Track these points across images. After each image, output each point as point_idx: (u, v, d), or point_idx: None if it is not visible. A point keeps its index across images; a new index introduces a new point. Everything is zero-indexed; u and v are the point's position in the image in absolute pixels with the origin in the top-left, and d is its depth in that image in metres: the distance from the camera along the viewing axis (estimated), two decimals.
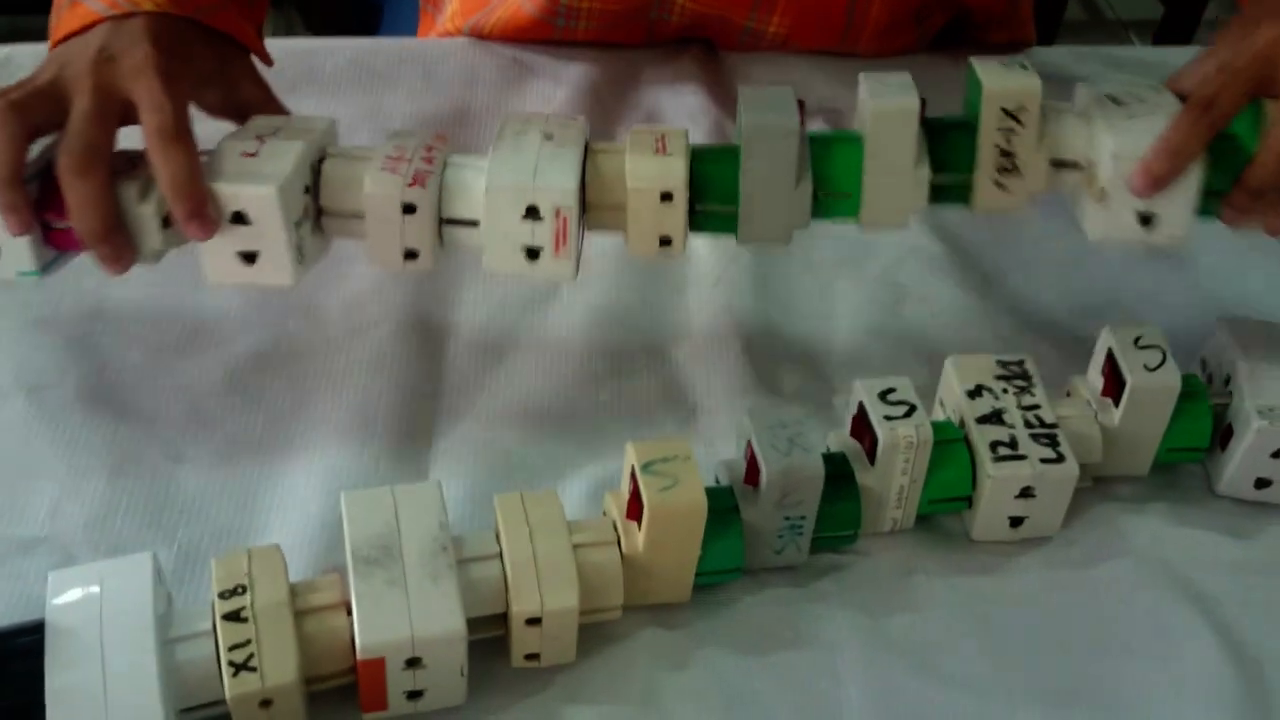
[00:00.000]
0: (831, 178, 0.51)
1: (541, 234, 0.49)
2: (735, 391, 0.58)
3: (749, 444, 0.49)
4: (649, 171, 0.50)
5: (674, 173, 0.49)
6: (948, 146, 0.52)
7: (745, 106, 0.50)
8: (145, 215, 0.49)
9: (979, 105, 0.51)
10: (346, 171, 0.50)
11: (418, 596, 0.43)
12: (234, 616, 0.42)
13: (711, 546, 0.48)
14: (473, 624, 0.43)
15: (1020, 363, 0.54)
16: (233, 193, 0.48)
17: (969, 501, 0.52)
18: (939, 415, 0.55)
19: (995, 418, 0.52)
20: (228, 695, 0.41)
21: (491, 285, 0.64)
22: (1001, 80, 0.51)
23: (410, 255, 0.51)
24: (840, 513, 0.51)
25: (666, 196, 0.49)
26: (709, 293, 0.64)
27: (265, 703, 0.41)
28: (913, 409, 0.51)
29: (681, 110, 0.75)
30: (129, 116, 0.50)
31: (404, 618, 0.42)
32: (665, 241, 0.51)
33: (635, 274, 0.65)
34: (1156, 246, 0.53)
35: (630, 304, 0.64)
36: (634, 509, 0.47)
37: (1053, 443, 0.51)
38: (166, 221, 0.49)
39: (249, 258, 0.49)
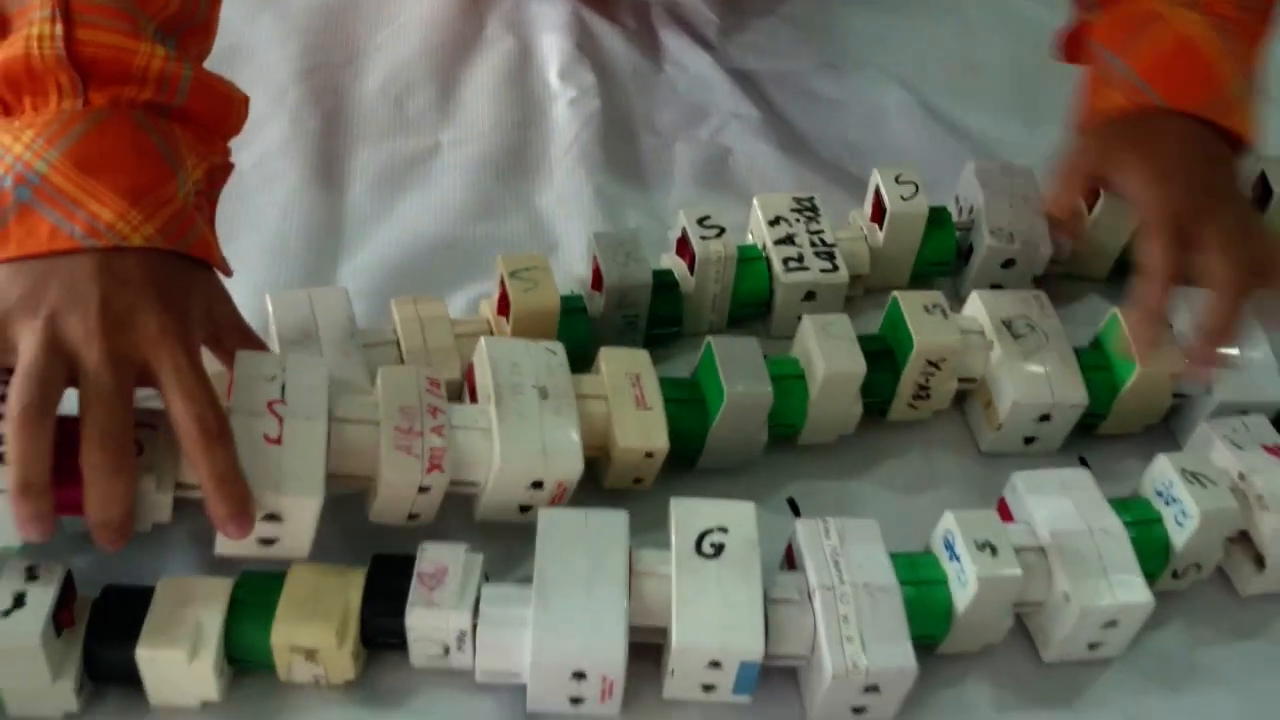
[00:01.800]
0: (784, 415, 0.60)
1: (540, 497, 0.54)
2: (588, 228, 0.71)
3: (594, 258, 0.63)
4: (635, 432, 0.56)
5: (658, 437, 0.56)
6: (875, 385, 0.60)
7: (723, 372, 0.57)
8: (162, 504, 0.48)
9: (906, 346, 0.60)
10: (360, 441, 0.52)
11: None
12: None
13: (565, 337, 0.60)
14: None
15: (810, 199, 0.68)
16: (274, 500, 0.48)
17: (768, 307, 0.67)
18: (748, 242, 0.69)
19: (788, 240, 0.66)
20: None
21: (380, 145, 0.76)
22: (929, 335, 0.60)
23: (413, 517, 0.54)
24: (666, 312, 0.64)
25: (649, 455, 0.58)
26: (566, 152, 0.77)
27: None
28: (723, 231, 0.65)
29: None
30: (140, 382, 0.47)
31: None
32: (638, 480, 0.59)
33: (507, 134, 0.77)
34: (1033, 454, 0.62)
35: (501, 161, 0.76)
36: (503, 307, 0.60)
37: (831, 258, 0.66)
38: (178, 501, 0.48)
39: (269, 542, 0.50)
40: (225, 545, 0.49)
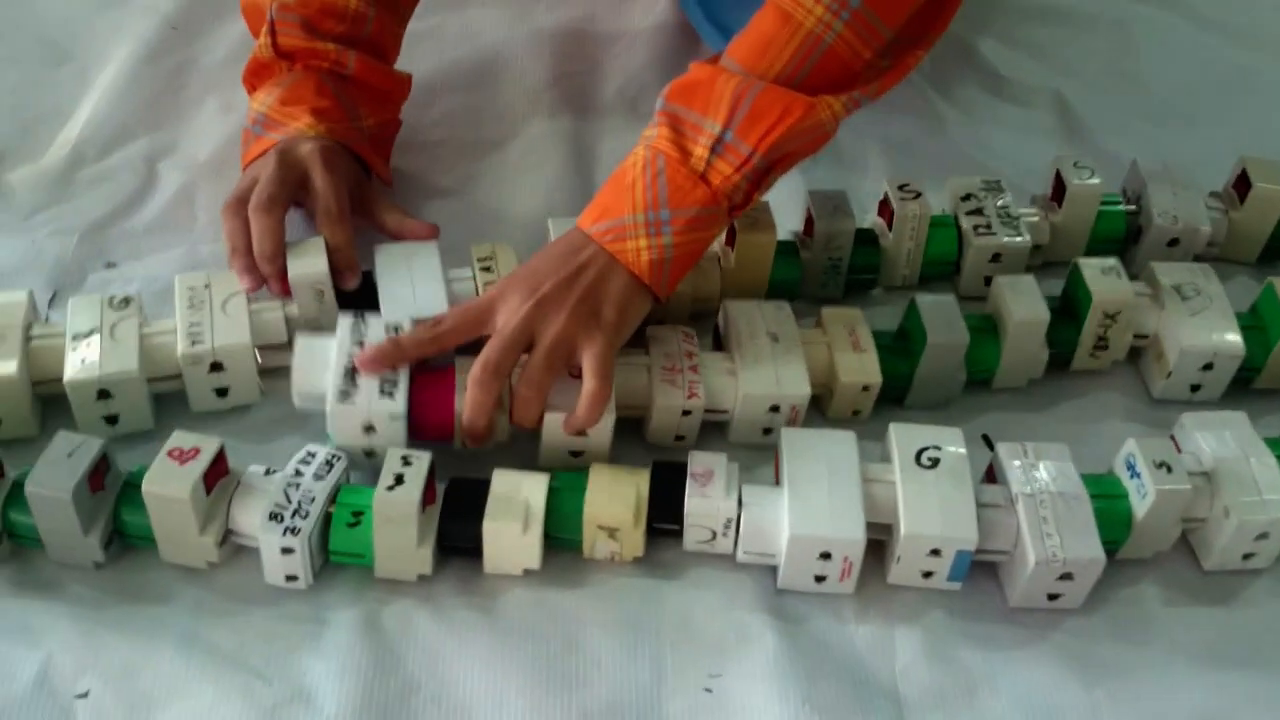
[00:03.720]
0: (979, 361, 0.71)
1: (778, 420, 0.67)
2: (799, 206, 0.81)
3: (808, 208, 0.76)
4: (853, 369, 0.68)
5: (873, 373, 0.68)
6: (1060, 337, 0.71)
7: (926, 321, 0.68)
8: (503, 427, 0.65)
9: (1085, 302, 0.70)
10: (636, 380, 0.66)
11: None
12: None
13: (779, 270, 0.75)
14: None
15: (997, 181, 0.80)
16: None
17: (955, 268, 0.78)
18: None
19: (978, 212, 0.78)
20: None
21: (621, 138, 0.88)
22: (1106, 290, 0.70)
23: (679, 439, 0.68)
24: (865, 261, 0.77)
25: (865, 388, 0.70)
26: None
27: None
28: (920, 195, 0.76)
29: None
30: (299, 197, 0.74)
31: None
32: (856, 413, 0.70)
33: None
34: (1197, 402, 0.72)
35: None
36: (730, 239, 0.74)
37: (1016, 227, 0.77)
38: None
39: (577, 454, 0.65)
40: (544, 458, 0.65)
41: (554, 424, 0.64)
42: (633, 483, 0.63)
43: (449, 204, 0.84)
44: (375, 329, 0.67)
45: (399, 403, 0.64)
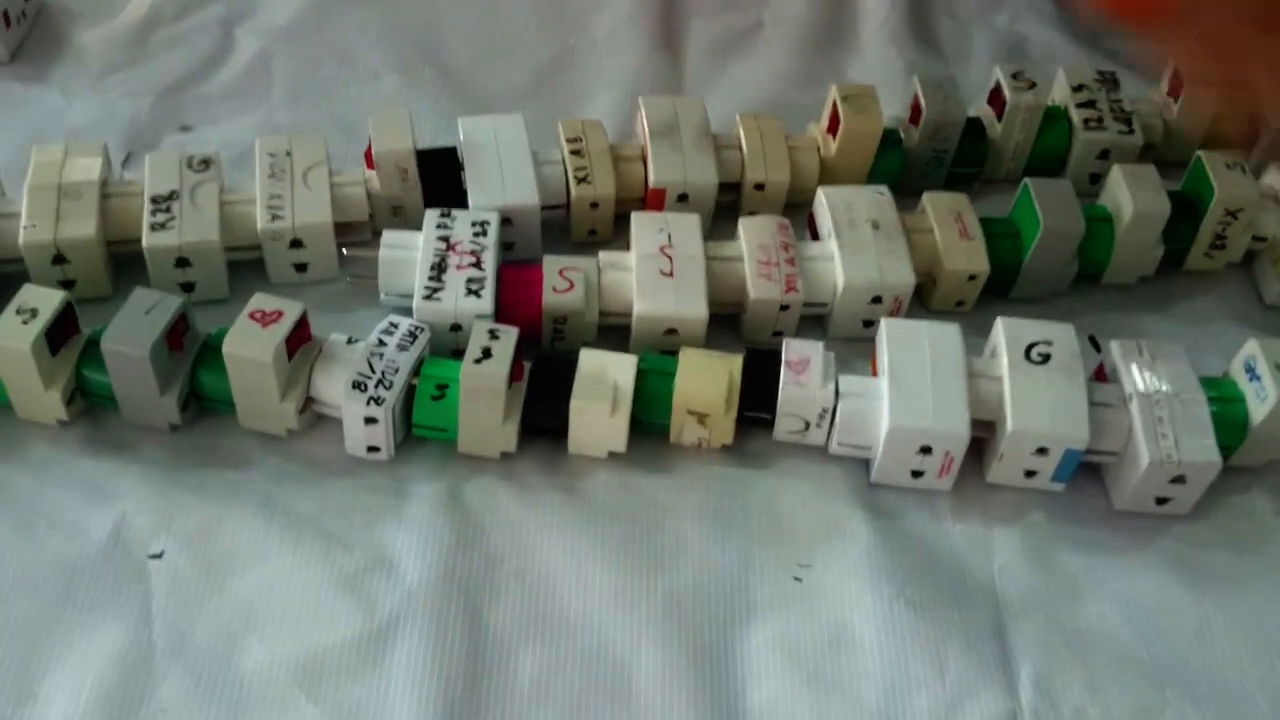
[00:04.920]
0: (1091, 253, 0.68)
1: (880, 311, 0.64)
2: (897, 99, 0.78)
3: (915, 94, 0.72)
4: (959, 256, 0.65)
5: (980, 261, 0.65)
6: (1176, 233, 0.68)
7: (1039, 206, 0.65)
8: None
9: (1207, 197, 0.67)
10: (730, 273, 0.64)
11: None
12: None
13: (881, 160, 0.71)
14: None
15: (1113, 73, 0.75)
16: (676, 315, 0.62)
17: (1063, 164, 0.74)
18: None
19: (1089, 105, 0.73)
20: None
21: (712, 19, 0.85)
22: (1229, 187, 0.67)
23: (777, 334, 0.65)
24: (971, 152, 0.73)
25: (972, 277, 0.66)
26: (877, 32, 0.85)
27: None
28: (1034, 85, 0.72)
29: None
30: None
31: None
32: (960, 304, 0.67)
33: (821, 14, 0.86)
34: None
35: (818, 36, 0.85)
36: (832, 126, 0.71)
37: (1128, 123, 0.73)
38: None
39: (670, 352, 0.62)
40: (636, 342, 0.63)
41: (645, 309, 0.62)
42: (725, 368, 0.60)
43: (532, 84, 0.82)
44: (462, 225, 0.65)
45: (486, 301, 0.62)
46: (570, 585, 0.56)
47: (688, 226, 0.66)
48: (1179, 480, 0.57)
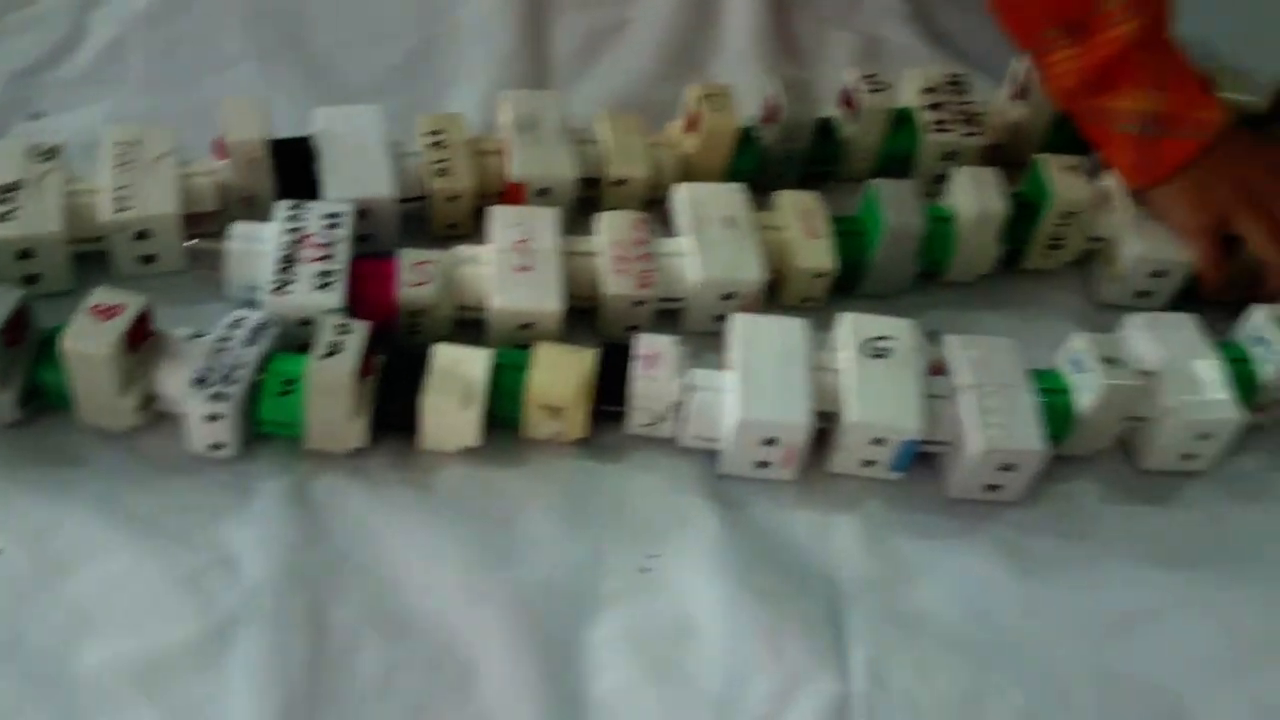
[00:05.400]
0: (934, 251, 0.70)
1: (732, 307, 0.65)
2: (758, 97, 0.79)
3: (770, 95, 0.74)
4: (808, 255, 0.67)
5: (827, 259, 0.67)
6: (1015, 232, 0.70)
7: (884, 206, 0.67)
8: None
9: (1045, 199, 0.70)
10: (587, 269, 0.65)
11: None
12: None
13: (739, 158, 0.73)
14: None
15: (963, 75, 0.78)
16: (533, 311, 0.62)
17: (909, 162, 0.76)
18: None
19: (937, 107, 0.76)
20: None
21: (580, 15, 0.85)
22: (1066, 190, 0.70)
23: (632, 329, 0.65)
24: (824, 152, 0.75)
25: (819, 274, 0.68)
26: (739, 32, 0.86)
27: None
28: (884, 88, 0.74)
29: None
30: None
31: None
32: (810, 300, 0.69)
33: (687, 15, 0.86)
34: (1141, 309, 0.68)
35: (684, 35, 0.86)
36: (690, 126, 0.73)
37: (973, 124, 0.76)
38: None
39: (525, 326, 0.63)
40: (494, 337, 0.63)
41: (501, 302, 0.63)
42: (579, 363, 0.61)
43: (394, 74, 0.81)
44: (314, 217, 0.64)
45: (337, 295, 0.61)
46: (417, 581, 0.56)
47: (545, 221, 0.66)
48: (1008, 468, 0.60)
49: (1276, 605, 0.60)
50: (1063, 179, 0.71)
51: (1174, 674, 0.57)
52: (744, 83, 0.80)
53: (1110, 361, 0.61)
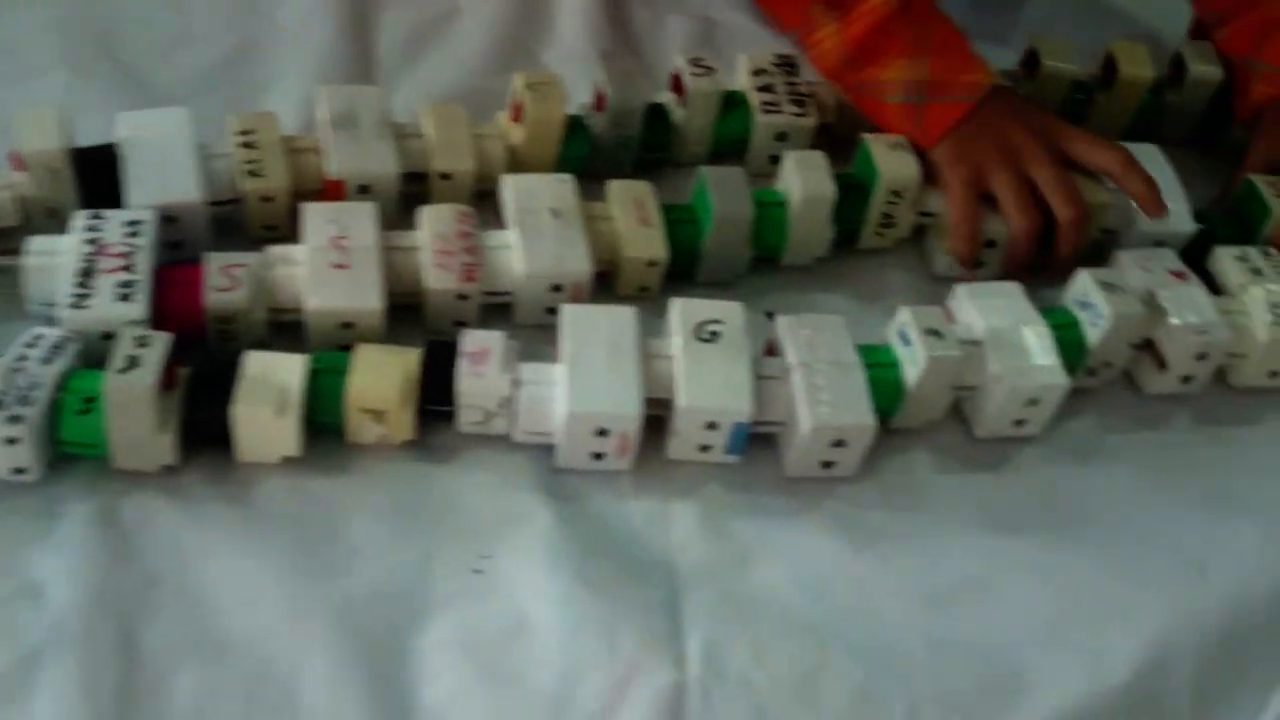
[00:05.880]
0: (767, 237, 0.69)
1: (561, 299, 0.64)
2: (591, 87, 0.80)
3: (599, 82, 0.73)
4: (639, 244, 0.66)
5: (659, 248, 0.66)
6: (847, 214, 0.70)
7: (713, 194, 0.67)
8: None
9: (873, 179, 0.70)
10: (408, 263, 0.63)
11: None
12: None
13: (568, 147, 0.72)
14: None
15: (792, 57, 0.78)
16: (350, 311, 0.60)
17: (745, 144, 0.76)
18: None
19: (768, 89, 0.76)
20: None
21: (407, 6, 0.83)
22: (893, 167, 0.70)
23: (460, 324, 0.63)
24: (656, 138, 0.74)
25: (652, 263, 0.67)
26: (572, 19, 0.85)
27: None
28: (712, 70, 0.74)
29: None
30: None
31: None
32: (645, 289, 0.68)
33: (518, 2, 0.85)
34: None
35: (514, 24, 0.84)
36: (516, 115, 0.71)
37: (803, 104, 0.76)
38: None
39: (348, 325, 0.61)
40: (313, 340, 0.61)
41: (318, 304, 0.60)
42: (400, 362, 0.59)
43: (212, 77, 0.78)
44: (113, 226, 0.61)
45: (139, 306, 0.58)
46: (235, 600, 0.54)
47: (362, 217, 0.64)
48: (840, 444, 0.60)
49: (1107, 566, 0.61)
50: (889, 157, 0.71)
51: (1010, 639, 0.57)
52: (580, 69, 0.79)
53: (933, 333, 0.61)
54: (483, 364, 0.59)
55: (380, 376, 0.58)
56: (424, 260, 0.63)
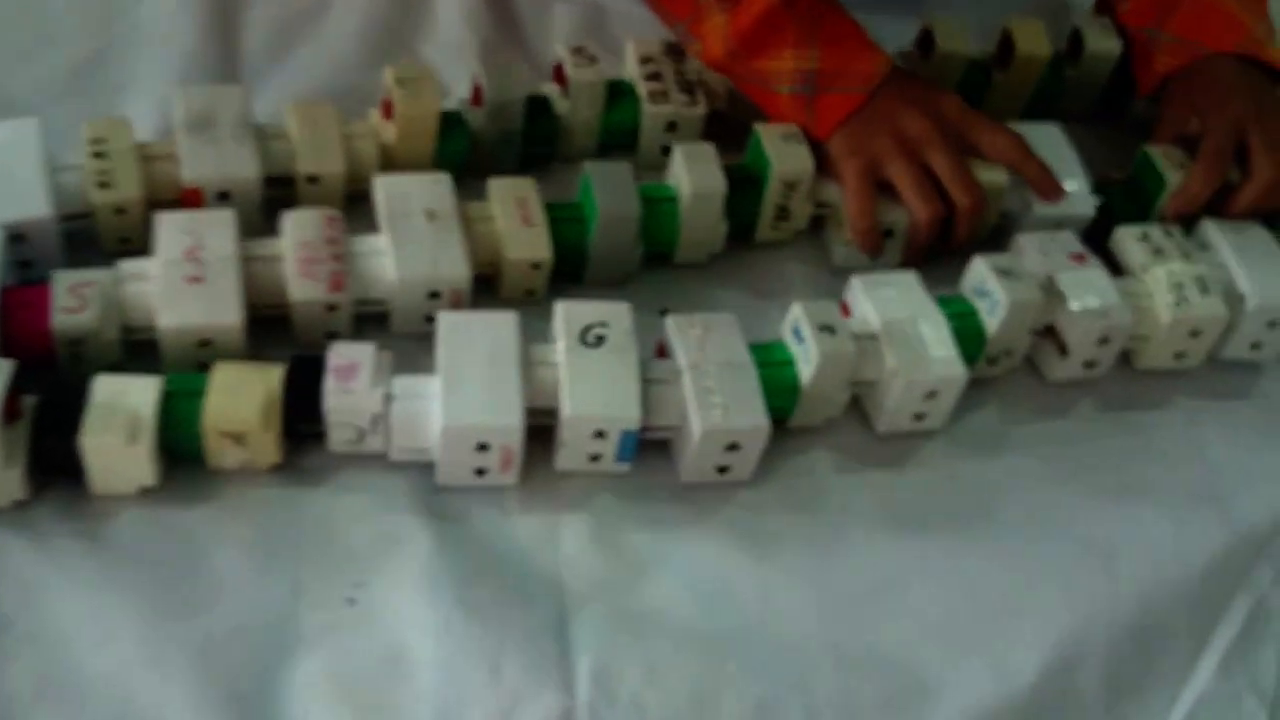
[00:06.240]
0: (658, 234, 0.66)
1: (440, 306, 0.61)
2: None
3: (475, 76, 0.69)
4: (521, 245, 0.63)
5: (542, 249, 0.63)
6: (741, 207, 0.68)
7: (597, 191, 0.63)
8: None
9: (765, 171, 0.67)
10: (270, 274, 0.59)
11: None
12: None
13: (445, 144, 0.68)
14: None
15: (678, 43, 0.75)
16: (203, 326, 0.57)
17: (635, 135, 0.73)
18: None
19: (656, 77, 0.73)
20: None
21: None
22: (785, 159, 0.67)
23: (333, 335, 0.60)
24: (541, 131, 0.71)
25: (536, 266, 0.64)
26: (451, 8, 0.81)
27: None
28: (595, 60, 0.71)
29: None
30: None
31: None
32: (531, 292, 0.64)
33: None
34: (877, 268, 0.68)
35: (390, 15, 0.80)
36: (388, 112, 0.67)
37: (691, 92, 0.73)
38: None
39: (206, 343, 0.58)
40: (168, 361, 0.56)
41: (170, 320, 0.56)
42: (262, 381, 0.55)
43: (67, 83, 0.73)
44: None
45: None
46: (92, 641, 0.50)
47: (219, 226, 0.60)
48: (734, 448, 0.58)
49: (1013, 563, 0.59)
50: (782, 149, 0.68)
51: (913, 645, 0.55)
52: (461, 61, 0.76)
53: (827, 329, 0.59)
54: (351, 379, 0.56)
55: (239, 397, 0.55)
56: (288, 270, 0.60)
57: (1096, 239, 0.70)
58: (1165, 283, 0.67)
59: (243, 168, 0.63)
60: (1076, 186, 0.72)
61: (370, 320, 0.63)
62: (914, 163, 0.68)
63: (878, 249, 0.69)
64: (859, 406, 0.64)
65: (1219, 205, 0.72)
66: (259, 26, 0.77)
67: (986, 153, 0.70)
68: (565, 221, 0.65)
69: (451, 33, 0.79)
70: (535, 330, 0.60)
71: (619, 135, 0.73)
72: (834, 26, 0.68)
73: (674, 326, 0.60)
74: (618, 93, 0.72)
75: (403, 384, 0.56)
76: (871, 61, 0.68)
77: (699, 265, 0.70)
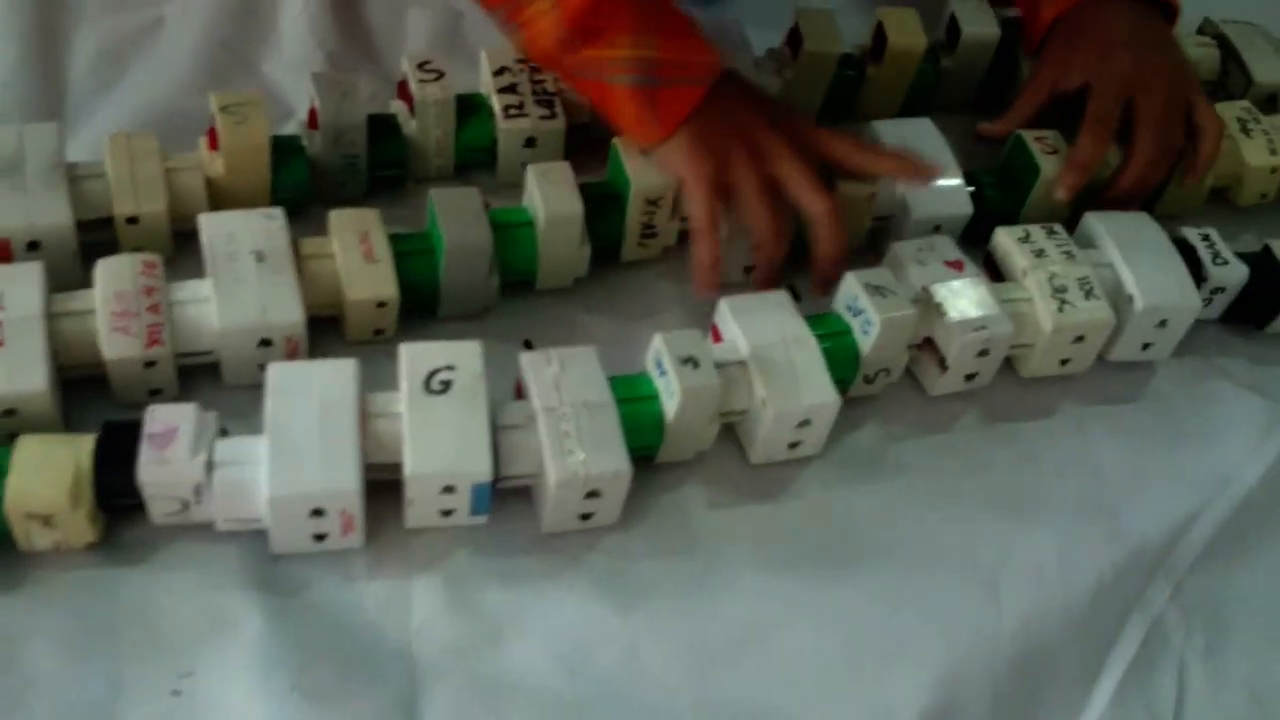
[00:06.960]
0: (516, 261, 0.62)
1: (274, 354, 0.56)
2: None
3: (311, 99, 0.64)
4: (364, 283, 0.58)
5: (387, 287, 0.58)
6: (604, 227, 0.64)
7: (442, 221, 0.59)
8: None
9: (626, 188, 0.63)
10: (79, 331, 0.54)
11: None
12: None
13: (282, 174, 0.63)
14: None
15: None
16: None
17: (493, 153, 0.69)
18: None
19: (511, 89, 0.69)
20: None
21: (100, 21, 0.73)
22: (644, 175, 0.63)
23: (156, 393, 0.56)
24: (388, 154, 0.66)
25: (382, 304, 0.59)
26: (295, 20, 0.76)
27: None
28: (442, 75, 0.66)
29: None
30: None
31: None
32: (379, 332, 0.60)
33: (232, 4, 0.76)
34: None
35: (227, 31, 0.75)
36: (214, 142, 0.62)
37: (550, 105, 0.68)
38: None
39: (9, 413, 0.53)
40: None
41: None
42: (70, 455, 0.50)
43: None
44: None
45: None
46: None
47: (24, 282, 0.55)
48: (595, 494, 0.54)
49: (892, 598, 0.56)
50: (641, 164, 0.64)
51: (787, 691, 0.52)
52: (303, 81, 0.71)
53: (689, 361, 0.55)
54: (168, 446, 0.51)
55: (44, 475, 0.50)
56: (100, 325, 0.55)
57: (978, 238, 0.68)
58: (1047, 287, 0.64)
59: (52, 214, 0.58)
60: (952, 184, 0.69)
61: (205, 370, 0.58)
62: (758, 171, 0.63)
63: (714, 290, 0.63)
64: (733, 434, 0.61)
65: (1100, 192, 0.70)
66: (85, 48, 0.71)
67: (839, 160, 0.65)
68: (413, 255, 0.61)
69: (296, 48, 0.74)
70: (386, 374, 0.55)
71: (476, 153, 0.69)
72: (670, 17, 0.63)
73: (529, 365, 0.56)
74: (470, 108, 0.68)
75: (226, 448, 0.52)
76: (709, 54, 0.63)
77: (564, 290, 0.66)
